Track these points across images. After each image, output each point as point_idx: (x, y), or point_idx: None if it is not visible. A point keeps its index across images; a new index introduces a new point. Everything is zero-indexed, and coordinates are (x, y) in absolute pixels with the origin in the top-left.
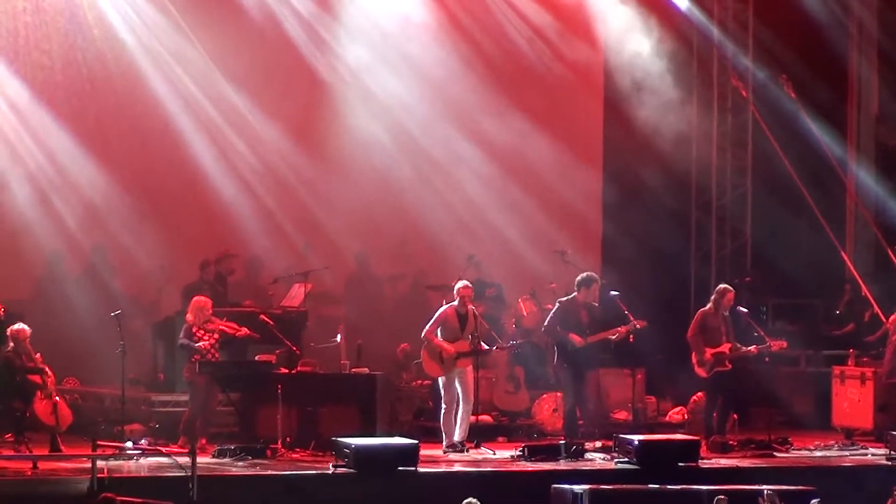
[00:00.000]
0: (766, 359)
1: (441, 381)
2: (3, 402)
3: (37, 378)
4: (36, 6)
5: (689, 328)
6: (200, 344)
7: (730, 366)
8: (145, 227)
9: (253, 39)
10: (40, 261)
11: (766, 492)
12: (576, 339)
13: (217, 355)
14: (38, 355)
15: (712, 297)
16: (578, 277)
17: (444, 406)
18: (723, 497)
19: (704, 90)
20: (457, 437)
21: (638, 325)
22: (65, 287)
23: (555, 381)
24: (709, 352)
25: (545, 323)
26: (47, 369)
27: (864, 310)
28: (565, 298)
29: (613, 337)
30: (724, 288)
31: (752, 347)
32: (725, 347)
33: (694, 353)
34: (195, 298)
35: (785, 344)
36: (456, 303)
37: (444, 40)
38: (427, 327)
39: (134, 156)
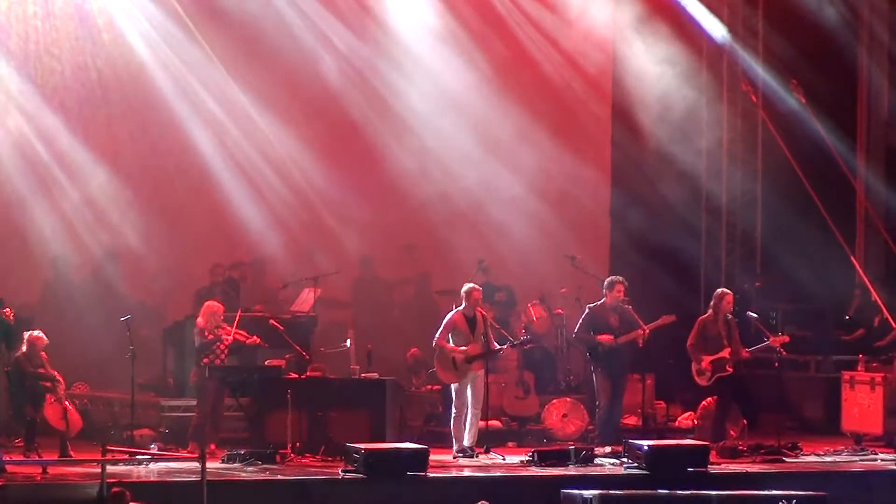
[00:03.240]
0: (776, 363)
1: (454, 386)
2: (14, 406)
3: (47, 383)
4: (46, 11)
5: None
6: (220, 342)
7: (730, 370)
8: (154, 232)
9: (262, 44)
10: (50, 265)
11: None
12: (604, 337)
13: (225, 360)
14: (43, 355)
15: (711, 303)
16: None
17: (454, 410)
18: None
19: (714, 95)
20: (466, 443)
21: (646, 332)
22: (74, 292)
23: (565, 386)
24: (706, 360)
25: (575, 329)
26: (57, 375)
27: (874, 315)
28: (594, 304)
29: (640, 342)
30: (722, 292)
31: (744, 351)
32: (725, 353)
33: (693, 364)
34: (207, 303)
35: (787, 338)
36: (463, 307)
37: (455, 46)
38: (437, 335)
39: (143, 160)
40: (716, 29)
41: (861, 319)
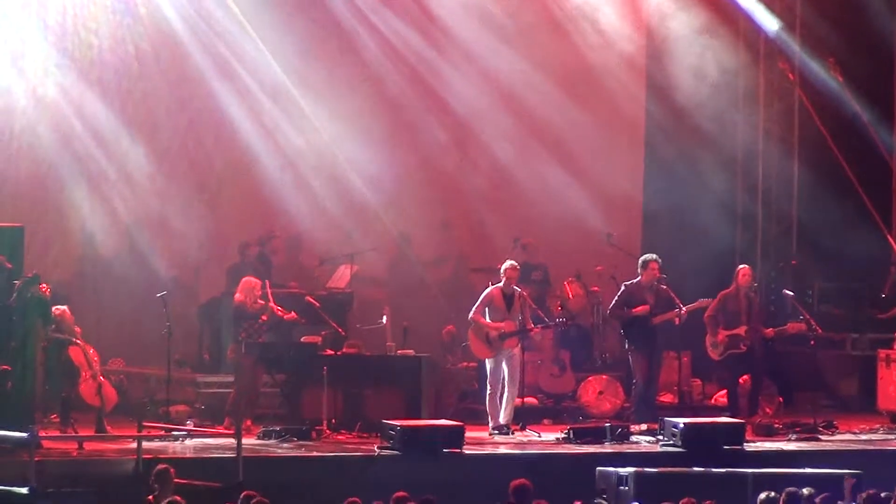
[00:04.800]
0: (812, 341)
1: (488, 363)
2: (51, 383)
3: (80, 357)
4: None
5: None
6: (261, 315)
7: (744, 348)
8: (191, 207)
9: (301, 20)
10: (87, 241)
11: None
12: (640, 309)
13: (262, 336)
14: (78, 330)
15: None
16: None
17: (489, 388)
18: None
19: (751, 73)
20: (501, 420)
21: (683, 312)
22: (110, 267)
23: (601, 363)
24: (722, 333)
25: (610, 306)
26: (90, 349)
27: None
28: (631, 282)
29: (677, 321)
30: (739, 267)
31: (768, 329)
32: (741, 330)
33: (708, 335)
34: (245, 279)
35: (804, 326)
36: (501, 283)
37: (490, 23)
38: (473, 309)
39: (180, 134)
40: (753, 6)
41: None
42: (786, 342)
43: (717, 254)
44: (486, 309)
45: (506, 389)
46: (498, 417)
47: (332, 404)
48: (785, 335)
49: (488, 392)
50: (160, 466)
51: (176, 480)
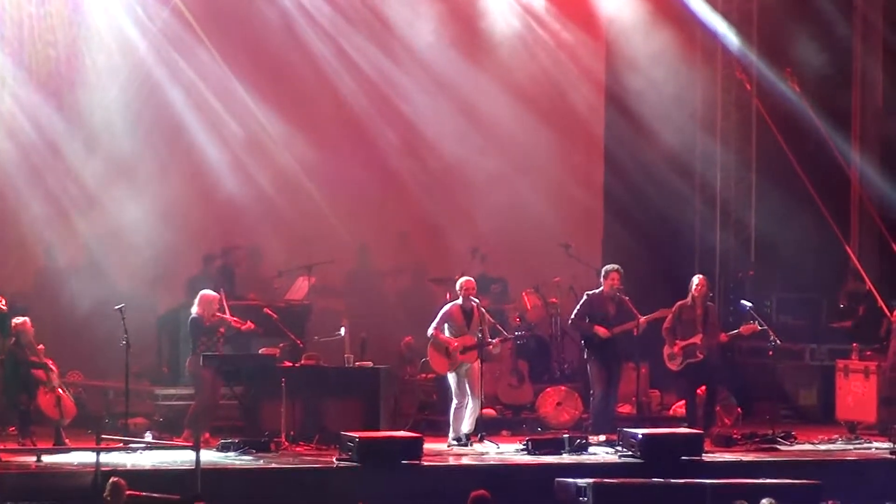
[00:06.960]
0: (770, 352)
1: (451, 377)
2: (8, 395)
3: (40, 372)
4: None
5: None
6: (218, 329)
7: (701, 356)
8: (148, 219)
9: (258, 32)
10: (44, 253)
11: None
12: (601, 330)
13: (220, 349)
14: (40, 347)
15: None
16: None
17: (455, 401)
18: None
19: (708, 83)
20: (465, 430)
21: (642, 322)
22: (67, 280)
23: (559, 374)
24: (678, 345)
25: (572, 315)
26: (50, 363)
27: (863, 303)
28: (593, 291)
29: (635, 332)
30: (694, 278)
31: (723, 335)
32: (697, 339)
33: (665, 347)
34: (203, 293)
35: (757, 328)
36: (460, 300)
37: (446, 32)
38: (432, 325)
39: (138, 146)
40: (710, 17)
41: (853, 308)
42: (745, 353)
43: (676, 264)
44: (446, 325)
45: (470, 403)
46: (460, 429)
47: (290, 416)
48: (740, 338)
49: (454, 405)
50: (112, 479)
51: (135, 493)
